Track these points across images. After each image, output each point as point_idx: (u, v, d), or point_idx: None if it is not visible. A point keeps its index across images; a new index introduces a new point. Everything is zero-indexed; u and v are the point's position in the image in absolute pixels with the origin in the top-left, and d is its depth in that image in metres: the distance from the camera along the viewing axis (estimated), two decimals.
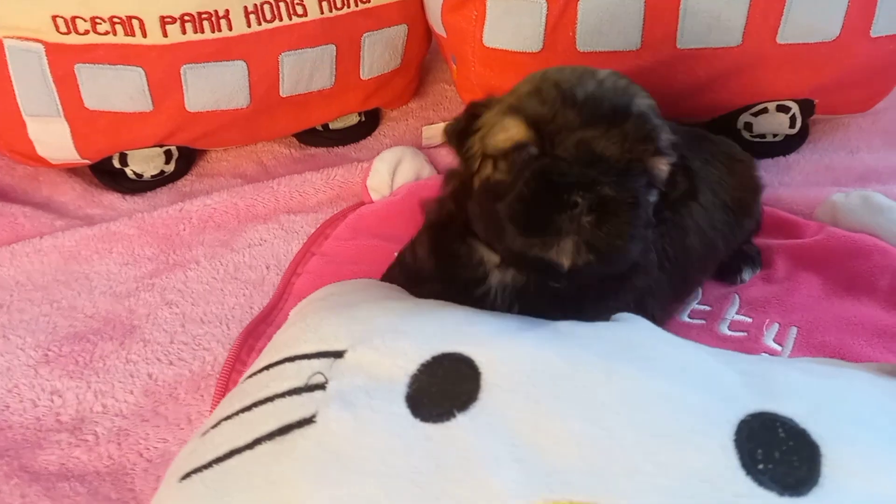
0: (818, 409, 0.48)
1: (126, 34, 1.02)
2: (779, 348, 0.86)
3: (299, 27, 1.11)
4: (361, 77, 1.24)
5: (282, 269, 1.03)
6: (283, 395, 0.53)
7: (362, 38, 1.19)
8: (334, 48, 1.17)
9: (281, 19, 1.10)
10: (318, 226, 1.10)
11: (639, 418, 0.47)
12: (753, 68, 1.11)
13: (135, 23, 1.02)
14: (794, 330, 0.88)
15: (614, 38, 1.08)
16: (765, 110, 1.19)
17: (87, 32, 1.02)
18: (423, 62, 1.39)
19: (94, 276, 1.03)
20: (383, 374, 0.52)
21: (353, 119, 1.33)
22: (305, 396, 0.52)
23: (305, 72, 1.16)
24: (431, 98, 1.44)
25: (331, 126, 1.31)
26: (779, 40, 1.07)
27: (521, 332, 0.56)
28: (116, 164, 1.19)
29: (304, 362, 0.56)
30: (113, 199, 1.20)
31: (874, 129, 1.29)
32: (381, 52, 1.23)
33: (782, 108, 1.19)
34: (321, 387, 0.52)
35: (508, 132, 0.63)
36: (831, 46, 1.09)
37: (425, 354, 0.53)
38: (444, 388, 0.50)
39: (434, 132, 1.32)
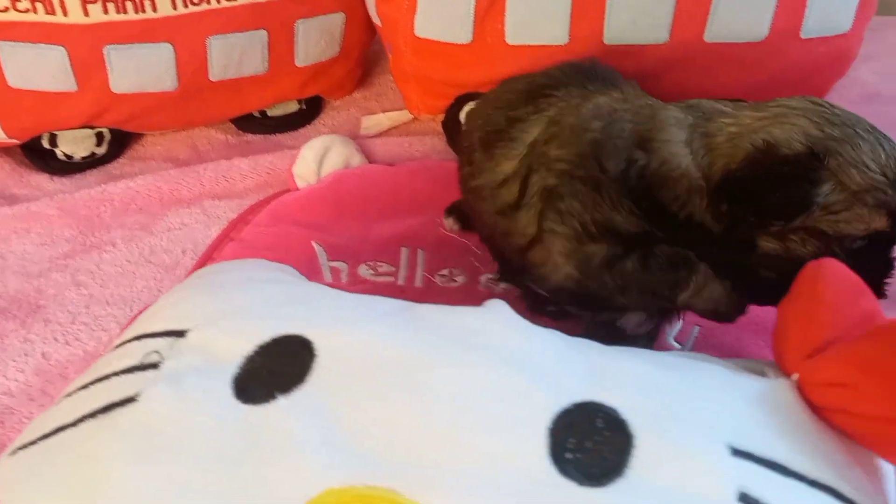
0: (644, 401, 0.48)
1: (46, 12, 1.02)
2: (678, 347, 0.86)
3: (227, 11, 1.10)
4: (296, 64, 1.23)
5: (198, 253, 1.03)
6: (119, 373, 0.53)
7: (295, 25, 1.18)
8: (265, 33, 1.16)
9: (208, 2, 1.09)
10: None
11: (460, 404, 0.46)
12: (683, 67, 1.10)
13: (55, 1, 1.01)
14: (696, 329, 0.87)
15: (542, 32, 1.07)
16: None
17: (6, 9, 1.01)
18: (366, 52, 1.38)
19: (10, 256, 1.02)
20: (219, 355, 0.51)
21: (293, 107, 1.32)
22: (138, 375, 0.52)
23: (235, 56, 1.15)
24: (376, 88, 1.44)
25: (269, 113, 1.30)
26: (706, 39, 1.07)
27: (374, 317, 0.55)
28: (46, 144, 1.18)
29: (150, 340, 0.55)
30: (40, 180, 1.19)
31: None
32: (316, 40, 1.22)
33: None
34: (155, 366, 0.52)
35: (870, 224, 0.63)
36: (761, 47, 1.08)
37: (265, 336, 0.52)
38: (273, 370, 0.49)
39: (374, 122, 1.32)
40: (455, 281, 0.99)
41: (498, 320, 0.56)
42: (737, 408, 0.49)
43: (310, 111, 1.35)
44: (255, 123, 1.31)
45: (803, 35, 1.09)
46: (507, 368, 0.49)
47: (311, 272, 0.98)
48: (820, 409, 0.52)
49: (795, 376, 0.54)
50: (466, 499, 0.41)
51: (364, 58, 1.39)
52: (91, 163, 1.21)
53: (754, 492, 0.43)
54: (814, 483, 0.46)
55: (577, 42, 1.07)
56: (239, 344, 0.52)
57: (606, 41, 1.07)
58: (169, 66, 1.11)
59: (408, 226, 1.06)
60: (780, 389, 0.53)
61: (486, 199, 0.82)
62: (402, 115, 1.31)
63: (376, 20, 1.20)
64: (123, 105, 1.13)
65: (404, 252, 1.03)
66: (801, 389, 0.53)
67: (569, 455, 0.44)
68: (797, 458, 0.47)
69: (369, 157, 1.22)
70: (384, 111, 1.35)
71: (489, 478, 0.42)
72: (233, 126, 1.32)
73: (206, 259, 1.01)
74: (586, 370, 0.51)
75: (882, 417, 0.48)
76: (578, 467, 0.43)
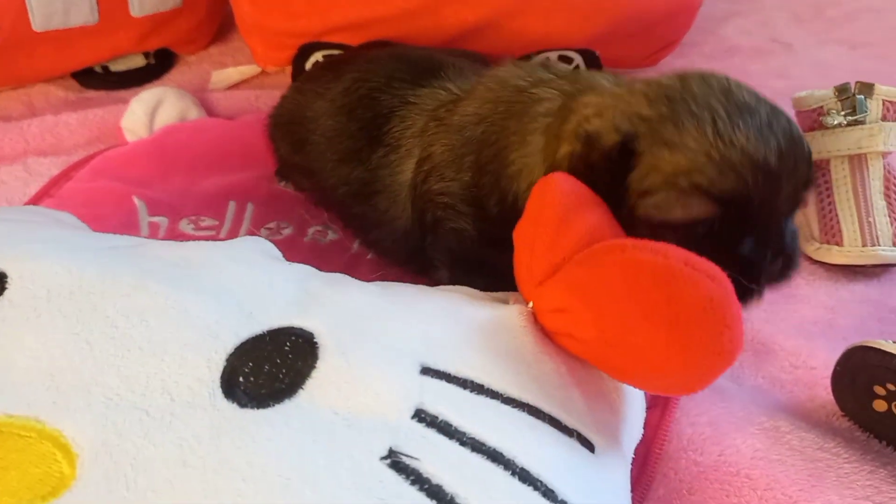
0: (345, 325, 0.46)
1: None
2: None
3: None
4: (132, 14, 1.17)
5: None
6: None
7: None
8: None
9: None
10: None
11: (133, 333, 0.44)
12: (522, 14, 1.09)
13: None
14: None
15: None
16: (547, 60, 1.18)
17: None
18: (217, 4, 1.32)
19: None
20: None
21: (138, 61, 1.26)
22: None
23: (58, 5, 1.09)
24: (234, 43, 1.38)
25: (111, 68, 1.25)
26: None
27: (82, 249, 0.52)
28: None
29: None
30: None
31: None
32: None
33: (565, 59, 1.18)
34: None
35: (691, 211, 0.56)
36: None
37: None
38: None
39: (223, 76, 1.27)
40: (281, 234, 0.96)
41: (226, 254, 0.54)
42: (440, 331, 0.48)
43: (159, 66, 1.29)
44: (97, 79, 1.25)
45: None
46: (201, 296, 0.46)
47: (128, 227, 0.94)
48: (553, 334, 0.52)
49: (531, 304, 0.53)
50: (104, 425, 0.38)
51: (216, 11, 1.33)
52: None
53: (432, 408, 0.42)
54: (510, 400, 0.45)
55: None
56: None
57: None
58: None
59: (238, 179, 1.03)
60: (507, 316, 0.52)
61: (388, 246, 0.86)
62: (251, 69, 1.27)
63: None
64: None
65: (232, 205, 0.99)
66: (536, 316, 0.53)
67: (241, 379, 0.42)
68: (499, 378, 0.46)
69: (215, 112, 1.18)
70: (236, 65, 1.30)
71: (138, 404, 0.40)
72: (75, 83, 1.26)
73: None
74: (299, 299, 0.49)
75: (594, 340, 0.48)
76: (247, 390, 0.41)
